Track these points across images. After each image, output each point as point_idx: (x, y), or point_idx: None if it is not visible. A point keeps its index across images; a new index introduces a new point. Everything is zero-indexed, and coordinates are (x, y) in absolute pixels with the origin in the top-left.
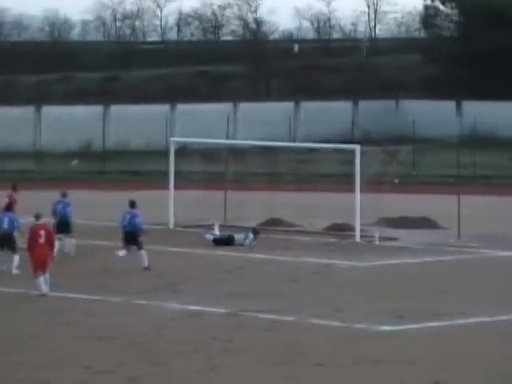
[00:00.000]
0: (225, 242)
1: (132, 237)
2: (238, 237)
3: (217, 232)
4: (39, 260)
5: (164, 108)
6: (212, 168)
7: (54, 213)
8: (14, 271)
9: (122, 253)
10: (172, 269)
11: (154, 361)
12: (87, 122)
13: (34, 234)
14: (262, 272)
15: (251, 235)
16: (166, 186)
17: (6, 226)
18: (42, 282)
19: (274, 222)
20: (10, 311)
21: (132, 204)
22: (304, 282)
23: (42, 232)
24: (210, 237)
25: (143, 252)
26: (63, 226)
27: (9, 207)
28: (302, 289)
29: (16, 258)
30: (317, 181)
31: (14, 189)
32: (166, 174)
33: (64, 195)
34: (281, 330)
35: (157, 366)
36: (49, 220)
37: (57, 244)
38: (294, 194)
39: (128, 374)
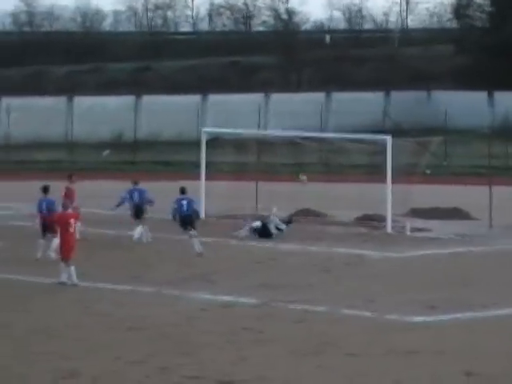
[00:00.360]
0: (264, 233)
1: (190, 221)
2: (271, 227)
3: (257, 223)
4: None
5: (195, 98)
6: (243, 158)
7: (130, 200)
8: (52, 254)
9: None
10: (203, 259)
11: (186, 351)
12: (119, 112)
13: (64, 222)
14: (294, 262)
15: (284, 225)
16: (197, 177)
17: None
18: (72, 271)
19: (305, 213)
20: (40, 301)
21: (183, 190)
22: (335, 272)
23: (72, 221)
24: (245, 231)
25: (197, 239)
26: (140, 212)
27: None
28: (334, 279)
29: (56, 241)
30: (347, 171)
31: (70, 178)
32: (197, 165)
33: (136, 183)
34: (312, 321)
35: (188, 356)
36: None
37: (140, 229)
38: (324, 184)
39: (159, 365)
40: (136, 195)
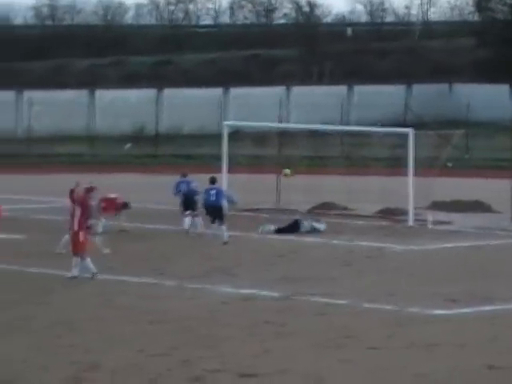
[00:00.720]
0: (290, 230)
1: (218, 211)
2: (305, 225)
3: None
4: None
5: (217, 92)
6: (263, 152)
7: (179, 192)
8: (105, 250)
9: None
10: (225, 252)
11: (207, 344)
12: (140, 105)
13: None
14: (315, 256)
15: (315, 221)
16: (218, 170)
17: None
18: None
19: (326, 206)
20: (63, 294)
21: (213, 180)
22: (357, 265)
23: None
24: (270, 228)
25: (224, 227)
26: (190, 203)
27: None
28: (355, 272)
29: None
30: (368, 164)
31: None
32: (218, 158)
33: (185, 175)
34: (333, 314)
35: (210, 349)
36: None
37: (188, 220)
38: (345, 177)
39: (181, 358)
40: (184, 187)
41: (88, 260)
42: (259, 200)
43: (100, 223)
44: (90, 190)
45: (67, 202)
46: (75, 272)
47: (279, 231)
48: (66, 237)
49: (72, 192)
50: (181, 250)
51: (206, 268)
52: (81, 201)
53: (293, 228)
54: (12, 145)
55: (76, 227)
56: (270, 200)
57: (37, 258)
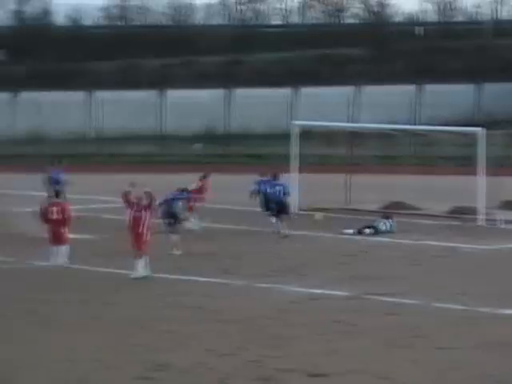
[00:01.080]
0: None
1: (283, 206)
2: (381, 227)
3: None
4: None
5: (286, 91)
6: (332, 151)
7: (258, 192)
8: (176, 252)
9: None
10: (295, 252)
11: (277, 344)
12: (210, 105)
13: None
14: (385, 255)
15: (389, 222)
16: (287, 169)
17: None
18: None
19: (396, 206)
20: (131, 293)
21: (276, 176)
22: (427, 265)
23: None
24: (349, 231)
25: (285, 223)
26: (280, 207)
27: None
28: (425, 272)
29: (175, 237)
30: (438, 164)
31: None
32: (288, 157)
33: (276, 176)
34: (403, 314)
35: (279, 349)
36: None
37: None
38: (414, 176)
39: (250, 357)
40: (265, 187)
41: (144, 261)
42: (328, 199)
43: (193, 221)
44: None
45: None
46: (143, 272)
47: (359, 233)
48: (173, 237)
49: (127, 194)
50: (250, 249)
51: (274, 267)
52: (145, 202)
53: (373, 229)
54: (82, 145)
55: (141, 228)
56: (339, 200)
57: (106, 258)
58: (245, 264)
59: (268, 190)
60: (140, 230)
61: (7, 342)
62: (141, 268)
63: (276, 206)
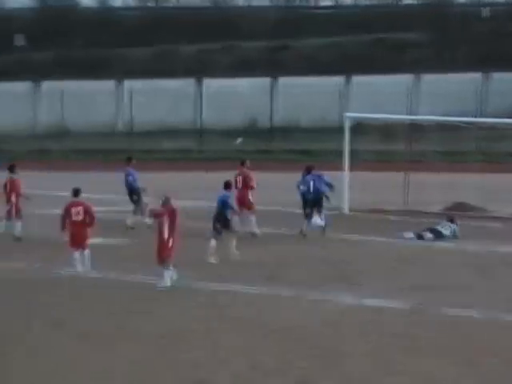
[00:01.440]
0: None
1: (318, 202)
2: (445, 231)
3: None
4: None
5: (337, 80)
6: (389, 146)
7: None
8: (213, 260)
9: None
10: (346, 258)
11: (328, 361)
12: (252, 95)
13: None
14: (447, 262)
15: (453, 225)
16: (339, 167)
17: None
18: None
19: (459, 207)
20: (167, 304)
21: (309, 169)
22: (494, 273)
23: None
24: (409, 234)
25: (322, 218)
26: (315, 201)
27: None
28: (492, 281)
29: (214, 243)
30: (505, 161)
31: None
32: (339, 153)
33: (309, 169)
34: (469, 327)
35: (331, 367)
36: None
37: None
38: (479, 175)
39: (299, 376)
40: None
41: (171, 271)
42: (385, 200)
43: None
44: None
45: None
46: (168, 282)
47: (419, 237)
48: (212, 242)
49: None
50: (295, 254)
51: (324, 275)
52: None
53: (435, 234)
54: (112, 139)
55: (165, 234)
56: (396, 200)
57: (137, 265)
58: (291, 271)
59: (301, 188)
60: (164, 237)
61: (35, 356)
62: (167, 277)
63: (309, 202)
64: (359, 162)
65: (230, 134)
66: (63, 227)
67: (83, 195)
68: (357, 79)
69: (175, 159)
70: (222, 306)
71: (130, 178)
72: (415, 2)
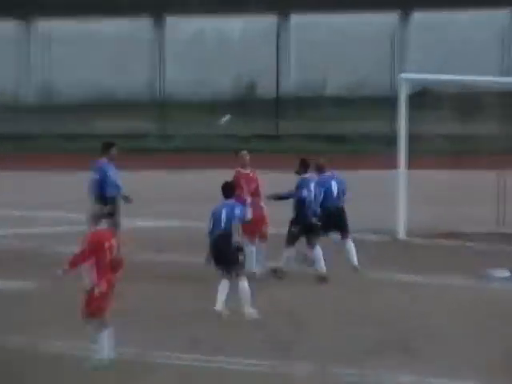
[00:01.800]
0: None
1: (341, 216)
2: None
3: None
4: None
5: (388, 18)
6: (473, 129)
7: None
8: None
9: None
10: (401, 312)
11: None
12: (248, 44)
13: None
14: None
15: None
16: (389, 162)
17: None
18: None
19: None
20: None
21: (321, 167)
22: None
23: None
24: (505, 273)
25: (351, 243)
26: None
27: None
28: None
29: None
30: None
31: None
32: (388, 140)
33: (320, 168)
34: None
35: None
36: None
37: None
38: None
39: None
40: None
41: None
42: (465, 217)
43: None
44: None
45: None
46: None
47: None
48: (224, 284)
49: None
50: (321, 307)
51: (362, 339)
52: None
53: None
54: (144, 139)
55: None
56: (485, 218)
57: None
58: (310, 334)
59: (304, 195)
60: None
61: None
62: (103, 345)
63: (329, 215)
64: (423, 153)
65: (210, 108)
66: None
67: None
68: (418, 16)
69: (121, 150)
70: None
71: (102, 175)
72: None
